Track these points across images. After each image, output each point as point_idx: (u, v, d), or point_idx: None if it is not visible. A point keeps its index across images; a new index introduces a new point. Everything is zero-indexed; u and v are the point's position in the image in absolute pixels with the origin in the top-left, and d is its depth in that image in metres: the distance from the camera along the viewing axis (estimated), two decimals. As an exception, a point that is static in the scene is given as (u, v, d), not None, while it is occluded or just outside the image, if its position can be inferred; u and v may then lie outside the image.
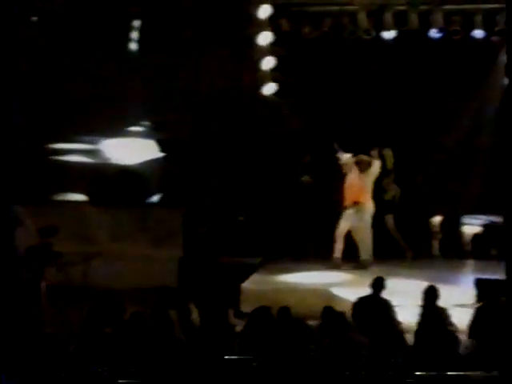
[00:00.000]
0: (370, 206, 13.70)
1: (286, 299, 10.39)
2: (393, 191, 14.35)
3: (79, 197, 15.02)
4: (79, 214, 14.36)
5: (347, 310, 9.50)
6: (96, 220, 14.32)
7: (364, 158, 13.76)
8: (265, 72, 14.74)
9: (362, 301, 9.78)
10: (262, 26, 14.37)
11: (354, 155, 13.84)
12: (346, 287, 12.26)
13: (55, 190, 15.09)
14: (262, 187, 14.83)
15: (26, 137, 14.75)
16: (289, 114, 15.08)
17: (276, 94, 14.94)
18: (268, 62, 14.65)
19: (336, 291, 12.07)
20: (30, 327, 9.06)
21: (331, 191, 14.27)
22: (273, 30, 14.41)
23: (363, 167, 13.74)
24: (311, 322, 9.04)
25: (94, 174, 15.20)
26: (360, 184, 13.69)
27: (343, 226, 13.63)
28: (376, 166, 13.76)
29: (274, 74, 14.80)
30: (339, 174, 13.92)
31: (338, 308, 9.18)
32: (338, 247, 13.63)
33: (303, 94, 15.03)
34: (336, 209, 13.86)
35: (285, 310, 9.17)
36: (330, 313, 8.93)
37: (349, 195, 13.69)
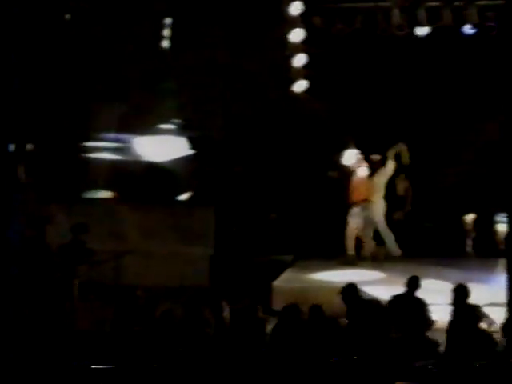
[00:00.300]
0: (379, 205, 13.73)
1: (316, 297, 10.34)
2: (403, 187, 14.34)
3: (110, 194, 15.04)
4: (111, 211, 14.39)
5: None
6: (127, 218, 14.34)
7: (376, 157, 13.76)
8: (296, 69, 14.69)
9: (396, 299, 9.74)
10: (294, 23, 14.32)
11: (366, 153, 13.80)
12: (378, 285, 12.19)
13: (87, 187, 15.13)
14: (293, 185, 14.79)
15: (58, 135, 14.85)
16: (321, 111, 15.01)
17: (307, 91, 14.88)
18: (300, 60, 14.60)
19: (368, 289, 11.99)
20: (63, 323, 9.09)
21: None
22: (305, 27, 14.36)
23: (375, 166, 13.73)
24: (342, 320, 9.01)
25: (125, 172, 15.22)
26: (370, 182, 13.74)
27: (352, 223, 13.71)
28: (390, 167, 13.81)
29: (305, 72, 14.74)
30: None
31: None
32: (350, 244, 13.70)
33: (335, 91, 14.95)
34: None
35: (316, 309, 9.12)
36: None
37: (357, 193, 13.75)
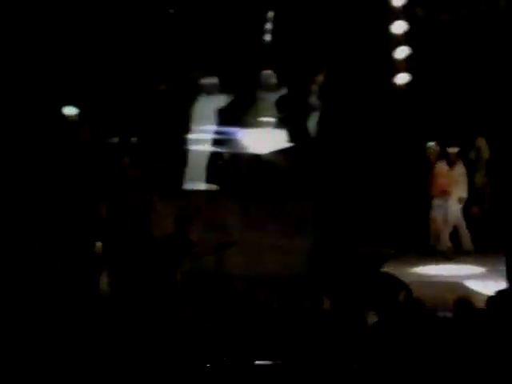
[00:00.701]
0: (456, 198, 13.66)
1: (418, 291, 10.27)
2: (481, 183, 14.16)
3: (213, 187, 15.23)
4: (213, 203, 14.57)
5: (482, 303, 9.34)
6: (229, 210, 14.50)
7: (454, 150, 13.78)
8: (399, 62, 14.60)
9: (499, 295, 9.58)
10: (396, 14, 14.24)
11: (445, 146, 13.78)
12: (479, 280, 12.07)
13: (189, 179, 15.34)
14: (394, 177, 14.74)
15: (162, 128, 15.13)
16: (421, 104, 14.89)
17: (409, 84, 14.77)
18: (402, 52, 14.51)
19: (469, 284, 11.88)
20: (167, 313, 9.28)
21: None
22: (407, 19, 14.26)
23: (453, 159, 13.72)
24: (445, 315, 8.95)
25: (226, 164, 15.38)
26: (449, 174, 13.66)
27: (434, 215, 13.67)
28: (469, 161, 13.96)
29: (408, 64, 14.63)
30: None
31: (473, 301, 9.04)
32: (444, 238, 13.64)
33: (438, 83, 14.80)
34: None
35: (417, 302, 9.09)
36: (465, 306, 8.81)
37: (437, 185, 13.68)
